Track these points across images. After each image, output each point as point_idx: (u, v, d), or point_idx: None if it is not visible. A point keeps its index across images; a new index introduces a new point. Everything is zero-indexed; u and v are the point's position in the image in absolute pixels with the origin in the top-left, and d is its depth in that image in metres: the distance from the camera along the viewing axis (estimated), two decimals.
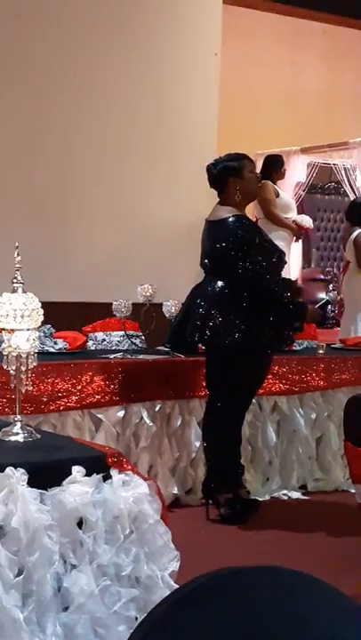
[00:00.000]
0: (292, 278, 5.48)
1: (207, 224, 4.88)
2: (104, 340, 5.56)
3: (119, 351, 5.33)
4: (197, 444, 5.14)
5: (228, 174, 4.78)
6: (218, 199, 4.87)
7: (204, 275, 4.90)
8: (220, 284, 4.72)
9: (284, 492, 5.46)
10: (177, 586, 2.52)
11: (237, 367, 4.70)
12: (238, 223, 4.70)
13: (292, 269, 9.30)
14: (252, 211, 7.89)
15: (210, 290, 4.74)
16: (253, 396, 5.03)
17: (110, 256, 7.45)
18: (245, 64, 10.53)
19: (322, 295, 5.87)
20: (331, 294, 5.80)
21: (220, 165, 4.83)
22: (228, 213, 4.73)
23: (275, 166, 8.66)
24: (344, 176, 10.35)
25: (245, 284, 4.64)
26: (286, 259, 5.29)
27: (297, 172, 10.23)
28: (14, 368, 2.82)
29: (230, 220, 4.70)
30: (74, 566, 2.52)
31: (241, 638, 1.20)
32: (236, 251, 4.65)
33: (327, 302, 5.33)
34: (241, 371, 4.71)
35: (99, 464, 2.68)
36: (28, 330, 2.79)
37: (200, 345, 4.85)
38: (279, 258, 4.85)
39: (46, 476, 2.57)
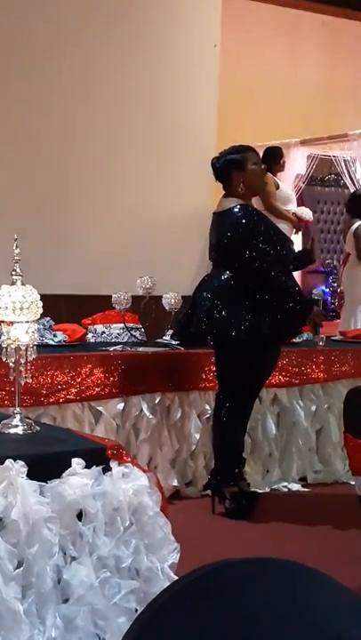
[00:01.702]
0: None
1: (214, 216, 4.87)
2: (104, 332, 5.55)
3: (119, 344, 5.32)
4: (197, 436, 5.14)
5: (232, 167, 4.76)
6: (222, 192, 4.86)
7: (212, 267, 4.89)
8: (226, 275, 4.70)
9: (284, 484, 5.47)
10: (177, 577, 2.52)
11: (245, 359, 4.68)
12: (243, 212, 4.68)
13: None
14: (253, 203, 7.88)
15: (216, 281, 4.73)
16: (261, 387, 5.02)
17: (110, 248, 7.44)
18: (245, 56, 10.50)
19: (315, 291, 5.83)
20: (316, 292, 5.76)
21: (223, 158, 4.81)
22: (232, 204, 4.72)
23: (274, 158, 8.64)
24: (344, 168, 10.33)
25: (252, 273, 4.62)
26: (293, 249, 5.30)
27: (297, 164, 10.21)
28: (13, 360, 2.82)
29: (235, 209, 4.68)
30: (74, 558, 2.52)
31: (239, 630, 1.20)
32: (241, 240, 4.62)
33: (316, 301, 5.30)
34: (248, 363, 4.70)
35: (98, 456, 2.68)
36: (27, 322, 2.79)
37: (207, 337, 4.84)
38: (287, 247, 4.83)
39: (46, 468, 2.57)
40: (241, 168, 4.75)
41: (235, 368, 4.75)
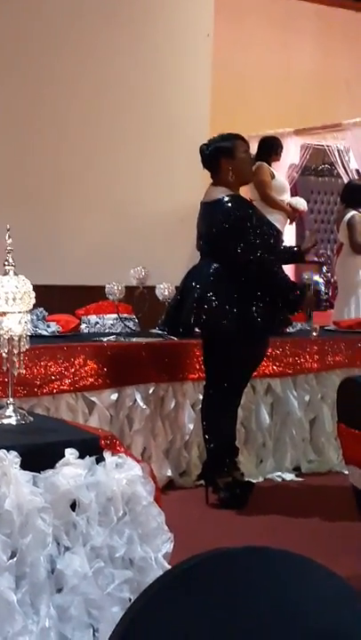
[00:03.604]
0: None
1: (202, 206, 4.83)
2: (97, 322, 5.55)
3: (112, 334, 5.32)
4: (191, 426, 5.15)
5: (221, 155, 4.73)
6: (211, 181, 4.84)
7: (200, 257, 4.87)
8: (215, 265, 4.68)
9: (278, 473, 5.47)
10: (170, 567, 2.52)
11: (234, 349, 4.68)
12: (233, 203, 4.66)
13: None
14: (247, 193, 7.87)
15: (205, 272, 4.70)
16: (250, 378, 5.02)
17: (103, 239, 7.43)
18: (238, 46, 10.47)
19: (306, 275, 5.77)
20: (307, 276, 5.68)
21: (212, 146, 4.78)
22: (222, 194, 4.69)
23: (274, 149, 8.62)
24: (337, 158, 10.31)
25: (243, 264, 4.60)
26: (283, 240, 5.27)
27: (290, 154, 10.18)
28: (7, 351, 2.81)
29: (225, 199, 4.66)
30: (67, 548, 2.52)
31: (232, 618, 1.21)
32: (232, 231, 4.60)
33: (307, 286, 5.25)
34: (238, 353, 4.69)
35: (92, 446, 2.68)
36: (20, 313, 2.78)
37: (196, 328, 4.83)
38: (276, 237, 4.81)
39: (39, 458, 2.57)
40: (231, 156, 4.72)
41: (224, 359, 4.74)
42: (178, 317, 4.79)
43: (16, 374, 2.87)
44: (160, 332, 5.27)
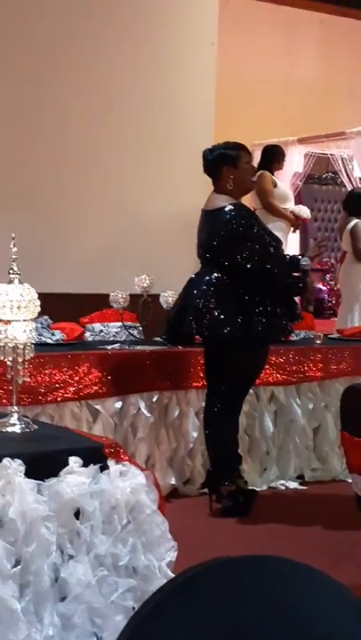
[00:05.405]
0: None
1: (203, 214, 4.84)
2: (101, 331, 5.56)
3: (117, 342, 5.33)
4: (195, 434, 5.15)
5: (224, 162, 4.73)
6: (213, 187, 4.84)
7: (201, 265, 4.87)
8: (216, 274, 4.68)
9: (282, 482, 5.47)
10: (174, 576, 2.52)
11: (236, 358, 4.69)
12: (235, 212, 4.66)
13: None
14: (249, 201, 7.88)
15: (207, 281, 4.70)
16: (251, 386, 5.02)
17: (107, 247, 7.44)
18: (242, 54, 10.49)
19: (304, 261, 5.66)
20: (305, 261, 5.58)
21: (216, 152, 4.78)
22: (224, 202, 4.69)
23: (277, 157, 8.65)
24: (341, 166, 10.32)
25: (244, 272, 4.60)
26: (284, 249, 5.26)
27: (294, 163, 10.20)
28: (11, 359, 2.82)
29: (227, 208, 4.66)
30: (71, 557, 2.53)
31: (234, 626, 1.21)
32: (233, 239, 4.60)
33: (306, 272, 5.13)
34: (239, 362, 4.70)
35: (96, 455, 2.69)
36: (25, 321, 2.79)
37: (197, 336, 4.83)
38: (276, 247, 4.81)
39: (43, 466, 2.58)
40: (233, 165, 4.73)
41: (225, 367, 4.75)
42: (179, 327, 4.79)
43: (20, 382, 2.88)
44: (163, 340, 5.27)
